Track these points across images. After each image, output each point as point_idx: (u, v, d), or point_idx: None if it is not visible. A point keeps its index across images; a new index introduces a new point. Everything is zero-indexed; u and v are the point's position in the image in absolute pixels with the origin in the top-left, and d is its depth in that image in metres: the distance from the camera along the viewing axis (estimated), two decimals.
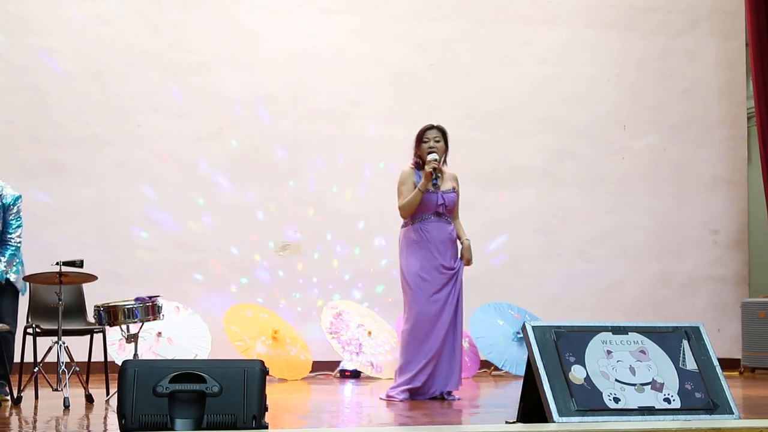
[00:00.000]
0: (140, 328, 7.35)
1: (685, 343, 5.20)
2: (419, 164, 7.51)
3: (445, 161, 7.55)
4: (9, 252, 7.11)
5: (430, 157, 7.38)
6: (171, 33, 10.57)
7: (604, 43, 11.44)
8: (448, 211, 7.50)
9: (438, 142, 7.48)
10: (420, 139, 7.52)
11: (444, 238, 7.44)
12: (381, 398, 7.40)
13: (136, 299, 7.30)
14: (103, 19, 10.42)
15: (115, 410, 4.85)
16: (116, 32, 10.43)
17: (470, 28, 11.17)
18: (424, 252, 7.38)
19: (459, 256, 7.55)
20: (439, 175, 7.41)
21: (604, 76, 11.42)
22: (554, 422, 4.79)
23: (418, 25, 11.07)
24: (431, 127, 7.54)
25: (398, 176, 7.59)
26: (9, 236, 7.11)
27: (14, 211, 7.12)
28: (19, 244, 7.14)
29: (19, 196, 7.17)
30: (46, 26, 10.30)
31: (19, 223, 7.13)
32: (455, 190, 7.54)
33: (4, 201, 7.11)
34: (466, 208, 8.05)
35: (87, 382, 7.26)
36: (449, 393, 7.35)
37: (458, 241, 7.58)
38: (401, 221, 7.57)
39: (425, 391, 7.30)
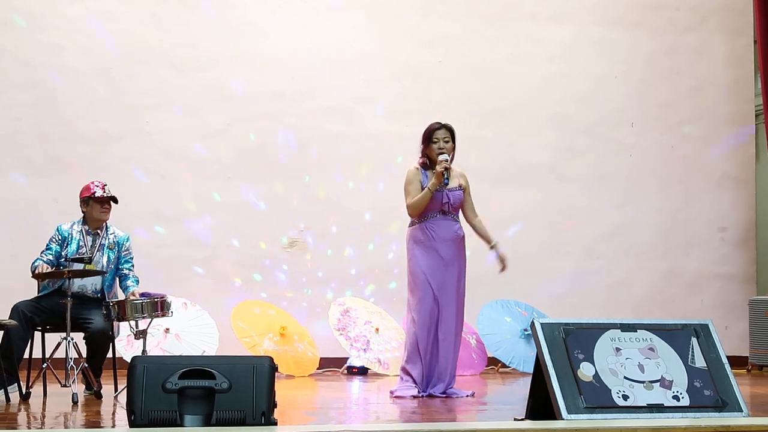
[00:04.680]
0: (149, 324, 7.33)
1: (694, 340, 5.20)
2: (426, 164, 7.46)
3: (452, 159, 7.51)
4: (131, 274, 7.65)
5: (441, 157, 7.29)
6: (178, 30, 10.59)
7: (612, 40, 11.43)
8: (454, 209, 7.46)
9: (447, 142, 7.40)
10: (429, 138, 7.43)
11: (450, 237, 7.41)
12: (392, 396, 7.36)
13: (143, 295, 7.31)
14: (111, 16, 10.44)
15: (124, 406, 4.85)
16: (124, 29, 10.46)
17: (477, 26, 11.17)
18: (430, 251, 7.36)
19: (491, 246, 7.56)
20: (449, 175, 7.39)
21: (611, 73, 11.41)
22: (563, 419, 4.79)
23: (424, 23, 11.07)
24: (440, 127, 7.43)
25: (405, 173, 7.55)
26: (127, 271, 7.64)
27: (126, 249, 7.69)
28: (136, 276, 7.66)
29: (128, 236, 7.77)
30: (54, 23, 10.33)
31: (131, 258, 7.71)
32: (462, 188, 7.49)
33: (117, 241, 7.63)
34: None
35: (95, 377, 7.27)
36: (450, 389, 7.37)
37: (488, 243, 7.57)
38: (408, 219, 7.55)
39: (430, 389, 7.29)
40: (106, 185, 7.57)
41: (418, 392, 7.27)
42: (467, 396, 7.35)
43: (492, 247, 7.60)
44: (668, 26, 11.57)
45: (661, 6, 11.56)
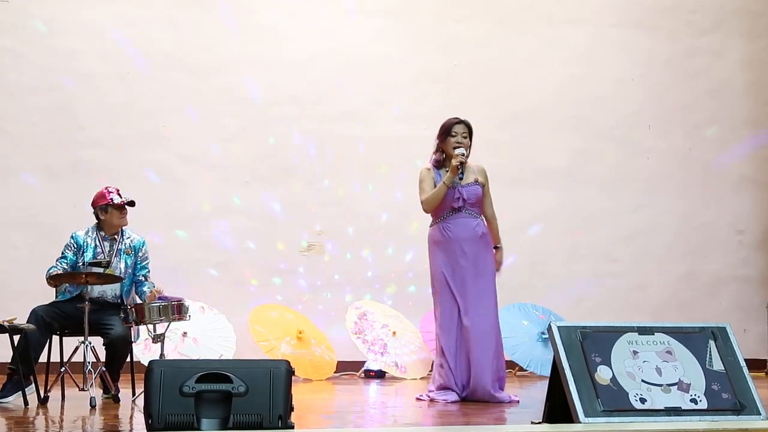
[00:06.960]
0: (167, 328, 7.34)
1: (711, 343, 5.17)
2: (439, 162, 7.39)
3: (468, 156, 7.45)
4: (147, 281, 7.64)
5: (457, 151, 7.25)
6: (195, 34, 10.63)
7: (629, 42, 11.41)
8: (469, 205, 7.33)
9: (465, 138, 7.34)
10: (447, 132, 7.35)
11: (468, 235, 7.28)
12: (419, 398, 7.32)
13: (160, 298, 7.32)
14: (127, 21, 10.48)
15: (142, 410, 4.86)
16: (140, 33, 10.50)
17: (494, 29, 11.17)
18: (449, 251, 7.27)
19: (495, 247, 7.45)
20: (464, 170, 7.35)
21: (628, 76, 11.40)
22: (580, 423, 4.77)
23: (441, 26, 11.07)
24: (459, 122, 7.37)
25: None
26: (143, 277, 7.65)
27: (142, 253, 7.69)
28: (152, 282, 7.63)
29: (144, 240, 7.75)
30: (70, 27, 10.38)
31: (147, 264, 7.70)
32: (478, 183, 7.38)
33: (134, 245, 7.63)
34: None
35: (113, 381, 7.28)
36: (497, 392, 7.20)
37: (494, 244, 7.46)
38: (428, 221, 7.51)
39: (467, 392, 7.19)
40: (119, 190, 7.58)
41: (457, 397, 7.12)
42: (510, 401, 7.12)
43: (495, 248, 7.50)
44: (685, 29, 11.54)
45: (678, 8, 11.53)
